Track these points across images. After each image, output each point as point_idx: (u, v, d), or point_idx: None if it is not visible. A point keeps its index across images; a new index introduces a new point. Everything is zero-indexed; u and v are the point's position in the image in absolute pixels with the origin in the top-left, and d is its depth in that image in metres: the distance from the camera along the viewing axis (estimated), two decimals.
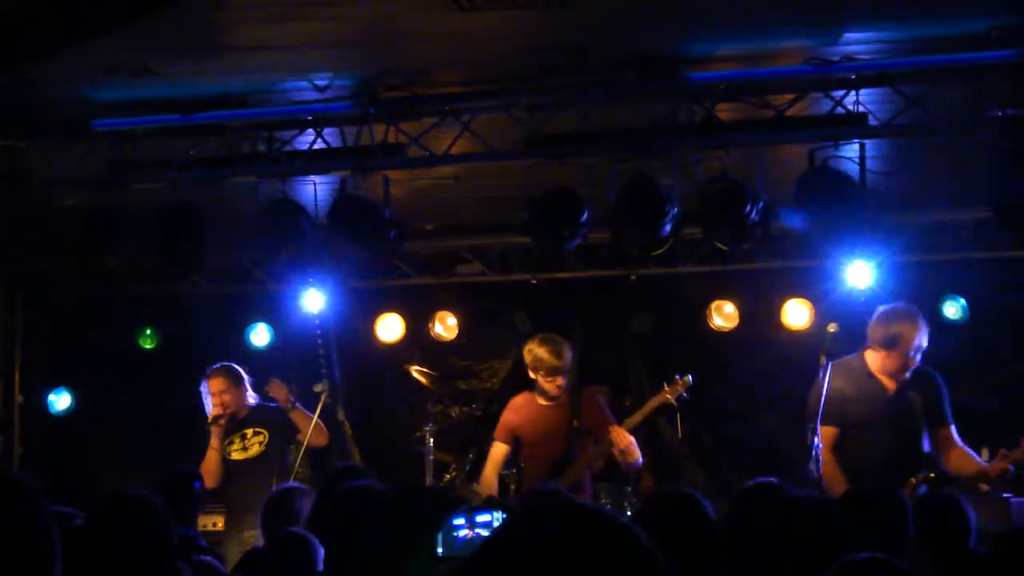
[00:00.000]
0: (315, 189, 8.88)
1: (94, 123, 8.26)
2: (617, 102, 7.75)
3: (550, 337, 8.95)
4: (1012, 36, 6.85)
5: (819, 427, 7.72)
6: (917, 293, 10.72)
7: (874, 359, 8.09)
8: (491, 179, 9.23)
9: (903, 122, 7.59)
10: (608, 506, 9.78)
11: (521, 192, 8.28)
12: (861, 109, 7.60)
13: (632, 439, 8.78)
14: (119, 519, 4.11)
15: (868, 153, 7.81)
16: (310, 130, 8.34)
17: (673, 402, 8.97)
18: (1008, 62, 7.02)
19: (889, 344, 7.99)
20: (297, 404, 9.36)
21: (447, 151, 8.19)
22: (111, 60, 7.19)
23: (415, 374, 12.19)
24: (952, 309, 10.79)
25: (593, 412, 8.91)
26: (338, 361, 11.83)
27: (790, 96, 7.67)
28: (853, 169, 7.71)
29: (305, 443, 9.32)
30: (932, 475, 7.71)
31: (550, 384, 8.78)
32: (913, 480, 7.65)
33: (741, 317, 11.16)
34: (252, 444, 9.41)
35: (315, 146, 8.43)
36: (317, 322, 10.81)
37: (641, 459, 8.95)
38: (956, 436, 8.01)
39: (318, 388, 9.50)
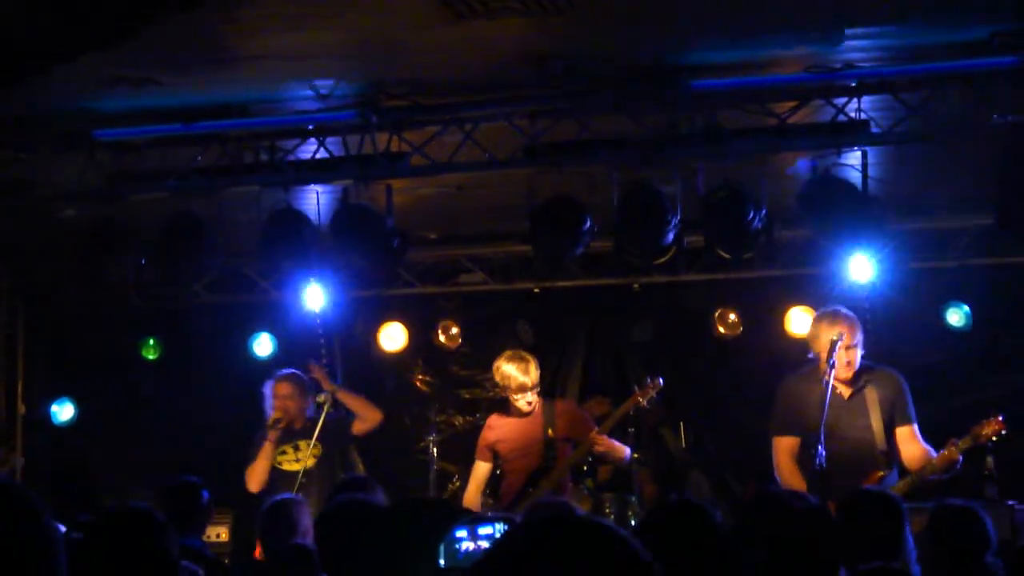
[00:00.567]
0: (318, 198, 8.88)
1: (96, 133, 8.26)
2: (619, 110, 7.75)
3: (518, 354, 8.93)
4: (1014, 42, 6.85)
5: (773, 438, 7.94)
6: (920, 300, 10.76)
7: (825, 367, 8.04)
8: (493, 188, 9.23)
9: (905, 129, 7.59)
10: (612, 516, 9.79)
11: (523, 201, 8.29)
12: (863, 116, 7.60)
13: (611, 441, 8.87)
14: (119, 532, 4.09)
15: (870, 160, 7.82)
16: (312, 139, 8.34)
17: (644, 404, 9.02)
18: (1010, 68, 7.01)
19: (812, 349, 7.99)
20: (340, 385, 9.43)
21: (449, 160, 8.19)
22: (113, 71, 7.19)
23: (419, 384, 12.19)
24: (956, 316, 10.78)
25: (568, 421, 8.93)
26: (341, 370, 11.82)
27: (792, 104, 7.67)
28: (855, 176, 7.72)
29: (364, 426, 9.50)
30: (882, 473, 7.71)
31: (520, 401, 8.78)
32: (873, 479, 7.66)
33: (743, 325, 11.15)
34: (307, 456, 9.31)
35: (318, 155, 8.43)
36: (320, 332, 10.81)
37: (629, 452, 9.06)
38: (917, 435, 7.95)
39: (320, 398, 9.48)
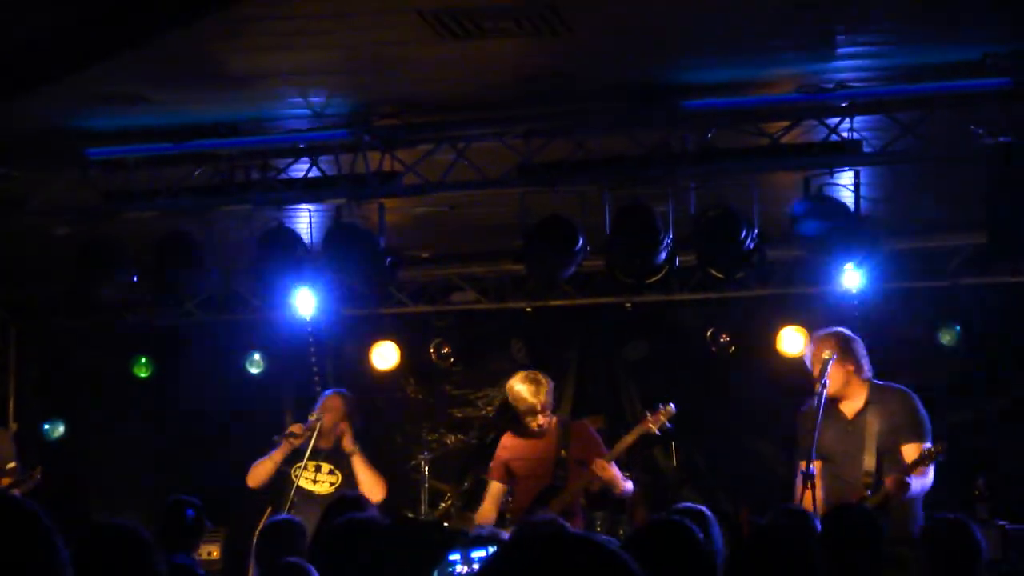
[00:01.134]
0: (310, 217, 8.88)
1: (88, 151, 8.25)
2: (611, 130, 7.76)
3: (532, 375, 8.76)
4: (1006, 63, 6.86)
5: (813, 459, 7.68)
6: (912, 319, 10.78)
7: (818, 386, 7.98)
8: (486, 207, 9.23)
9: (898, 149, 7.60)
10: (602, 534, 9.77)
11: (516, 220, 8.28)
12: (856, 136, 7.61)
13: (615, 472, 8.70)
14: (103, 549, 4.06)
15: (862, 180, 7.83)
16: (305, 158, 8.34)
17: (656, 432, 8.83)
18: (1002, 89, 7.03)
19: (811, 369, 7.95)
20: (362, 450, 9.18)
21: (442, 179, 8.19)
22: (105, 89, 7.19)
23: (411, 403, 12.18)
24: (947, 336, 10.80)
25: (582, 443, 8.86)
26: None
27: (785, 124, 7.68)
28: (847, 196, 7.73)
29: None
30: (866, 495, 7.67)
31: (531, 421, 8.72)
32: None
33: (736, 344, 11.16)
34: (323, 481, 9.17)
35: (310, 174, 8.42)
36: (312, 350, 10.78)
37: (631, 486, 8.88)
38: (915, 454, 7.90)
39: (313, 416, 9.43)
